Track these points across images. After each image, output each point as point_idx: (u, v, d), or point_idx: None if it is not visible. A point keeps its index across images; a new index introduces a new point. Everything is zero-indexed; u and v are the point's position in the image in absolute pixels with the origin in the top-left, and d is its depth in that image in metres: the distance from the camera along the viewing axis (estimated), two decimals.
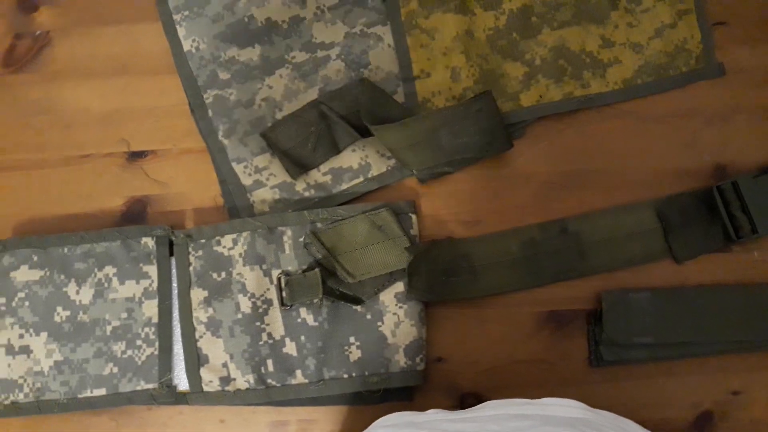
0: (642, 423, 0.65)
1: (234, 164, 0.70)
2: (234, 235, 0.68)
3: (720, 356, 0.67)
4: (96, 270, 0.68)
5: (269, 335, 0.67)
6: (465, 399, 0.68)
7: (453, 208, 0.70)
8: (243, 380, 0.67)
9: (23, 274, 0.68)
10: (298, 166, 0.69)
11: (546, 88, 0.69)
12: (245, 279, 0.67)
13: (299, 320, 0.67)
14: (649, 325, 0.66)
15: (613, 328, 0.65)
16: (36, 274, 0.68)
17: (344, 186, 0.70)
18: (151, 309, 0.68)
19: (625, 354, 0.66)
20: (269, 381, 0.67)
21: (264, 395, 0.67)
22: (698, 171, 0.69)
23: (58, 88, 0.73)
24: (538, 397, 0.67)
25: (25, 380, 0.68)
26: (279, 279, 0.67)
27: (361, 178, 0.70)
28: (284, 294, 0.67)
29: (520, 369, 0.68)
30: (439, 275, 0.67)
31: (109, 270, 0.68)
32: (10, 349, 0.68)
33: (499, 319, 0.68)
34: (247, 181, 0.70)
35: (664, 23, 0.69)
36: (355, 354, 0.67)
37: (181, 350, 0.68)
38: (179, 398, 0.67)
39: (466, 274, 0.68)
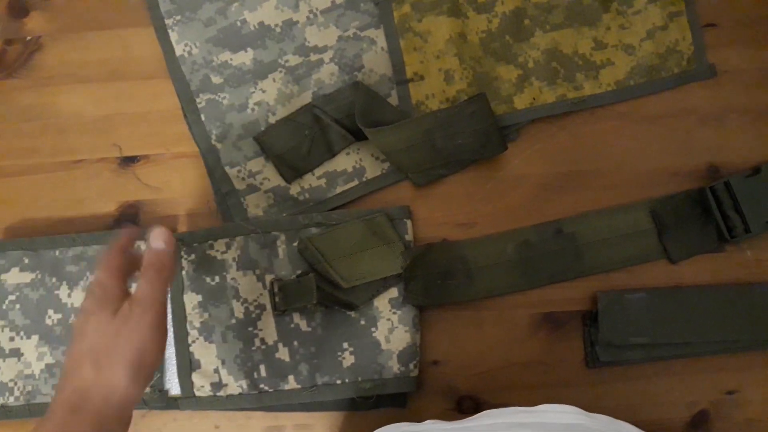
0: (638, 423, 0.65)
1: (227, 168, 0.70)
2: (227, 240, 0.68)
3: (715, 356, 0.67)
4: (88, 273, 0.67)
5: (262, 341, 0.67)
6: (462, 402, 0.68)
7: (448, 211, 0.70)
8: (235, 386, 0.66)
9: (14, 277, 0.68)
10: (293, 170, 0.69)
11: (539, 91, 0.70)
12: (239, 284, 0.67)
13: (292, 325, 0.67)
14: (644, 325, 0.66)
15: (608, 329, 0.65)
16: (27, 277, 0.68)
17: (339, 190, 0.70)
18: None
19: (620, 354, 0.66)
20: (262, 386, 0.66)
21: (256, 400, 0.66)
22: (691, 171, 0.69)
23: (50, 94, 0.72)
24: (535, 399, 0.66)
25: (15, 383, 0.67)
26: (272, 284, 0.66)
27: (356, 182, 0.70)
28: (277, 299, 0.66)
29: (517, 371, 0.68)
30: (435, 279, 0.67)
31: None
32: (0, 352, 0.67)
33: (495, 322, 0.68)
34: (240, 185, 0.70)
35: (655, 25, 0.70)
36: (348, 360, 0.67)
37: (173, 354, 0.67)
38: (170, 403, 0.67)
39: (462, 277, 0.68)
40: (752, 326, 0.66)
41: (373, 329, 0.67)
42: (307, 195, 0.70)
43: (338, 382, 0.66)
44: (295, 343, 0.67)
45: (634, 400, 0.67)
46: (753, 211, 0.66)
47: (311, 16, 0.70)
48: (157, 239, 0.51)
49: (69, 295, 0.67)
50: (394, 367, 0.66)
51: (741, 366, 0.67)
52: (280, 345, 0.67)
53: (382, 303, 0.67)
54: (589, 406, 0.53)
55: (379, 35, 0.70)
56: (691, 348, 0.66)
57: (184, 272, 0.67)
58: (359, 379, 0.66)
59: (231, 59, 0.70)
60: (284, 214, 0.69)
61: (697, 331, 0.66)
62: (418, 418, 0.67)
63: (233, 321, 0.67)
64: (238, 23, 0.70)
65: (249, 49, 0.70)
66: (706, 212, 0.68)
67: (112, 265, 0.51)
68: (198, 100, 0.70)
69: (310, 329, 0.67)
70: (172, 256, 0.51)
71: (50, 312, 0.67)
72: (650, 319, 0.66)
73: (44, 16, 0.73)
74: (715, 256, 0.68)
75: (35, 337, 0.67)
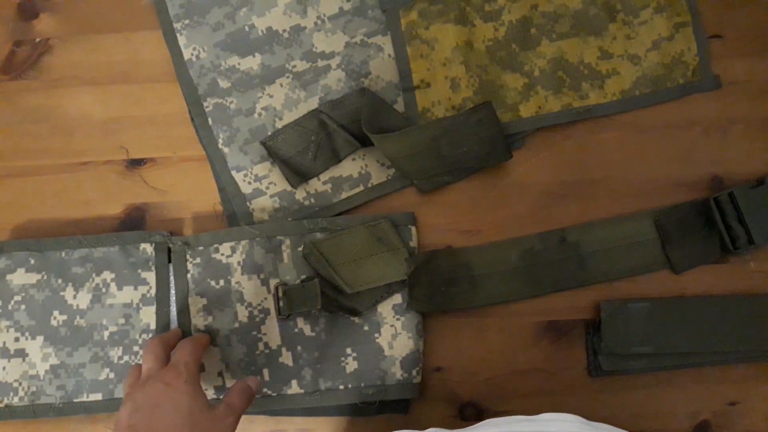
0: None
1: (234, 172, 0.70)
2: (232, 243, 0.68)
3: (717, 366, 0.67)
4: (94, 275, 0.68)
5: (266, 345, 0.67)
6: (464, 409, 0.68)
7: (452, 218, 0.70)
8: None
9: (20, 278, 0.68)
10: (298, 175, 0.69)
11: (545, 99, 0.70)
12: (243, 288, 0.67)
13: (296, 330, 0.67)
14: (647, 335, 0.66)
15: (611, 338, 0.66)
16: (33, 278, 0.68)
17: (344, 195, 0.70)
18: (148, 315, 0.67)
19: (623, 364, 0.66)
20: (265, 390, 0.66)
21: (259, 405, 0.66)
22: (695, 182, 0.69)
23: (58, 96, 0.73)
24: (537, 407, 0.66)
25: (20, 384, 0.67)
26: (277, 288, 0.67)
27: (361, 187, 0.70)
28: (281, 304, 0.66)
29: (520, 378, 0.68)
30: (438, 285, 0.67)
31: (107, 275, 0.68)
32: (5, 353, 0.67)
33: (499, 329, 0.68)
34: (246, 189, 0.70)
35: (661, 36, 0.70)
36: (351, 365, 0.67)
37: None
38: None
39: (465, 284, 0.68)
40: (755, 337, 0.66)
41: (376, 335, 0.67)
42: (312, 200, 0.70)
43: (341, 387, 0.67)
44: (299, 347, 0.67)
45: (636, 410, 0.67)
46: (757, 222, 0.66)
47: (319, 22, 0.71)
48: (254, 382, 0.63)
49: (74, 297, 0.68)
50: (397, 373, 0.66)
51: (743, 377, 0.67)
52: (284, 349, 0.67)
53: (385, 309, 0.67)
54: (591, 415, 0.53)
55: (386, 42, 0.71)
56: (693, 358, 0.67)
57: (189, 275, 0.68)
58: (362, 384, 0.67)
59: (239, 64, 0.71)
60: (289, 219, 0.69)
61: (700, 342, 0.66)
62: (421, 425, 0.67)
63: (237, 325, 0.67)
64: (246, 28, 0.71)
65: (257, 54, 0.71)
66: (710, 223, 0.68)
67: (196, 351, 0.60)
68: (205, 104, 0.71)
69: (313, 334, 0.67)
70: (254, 395, 0.62)
71: (55, 313, 0.68)
72: (653, 329, 0.66)
73: (54, 18, 0.74)
74: (718, 266, 0.69)
75: (40, 338, 0.67)
